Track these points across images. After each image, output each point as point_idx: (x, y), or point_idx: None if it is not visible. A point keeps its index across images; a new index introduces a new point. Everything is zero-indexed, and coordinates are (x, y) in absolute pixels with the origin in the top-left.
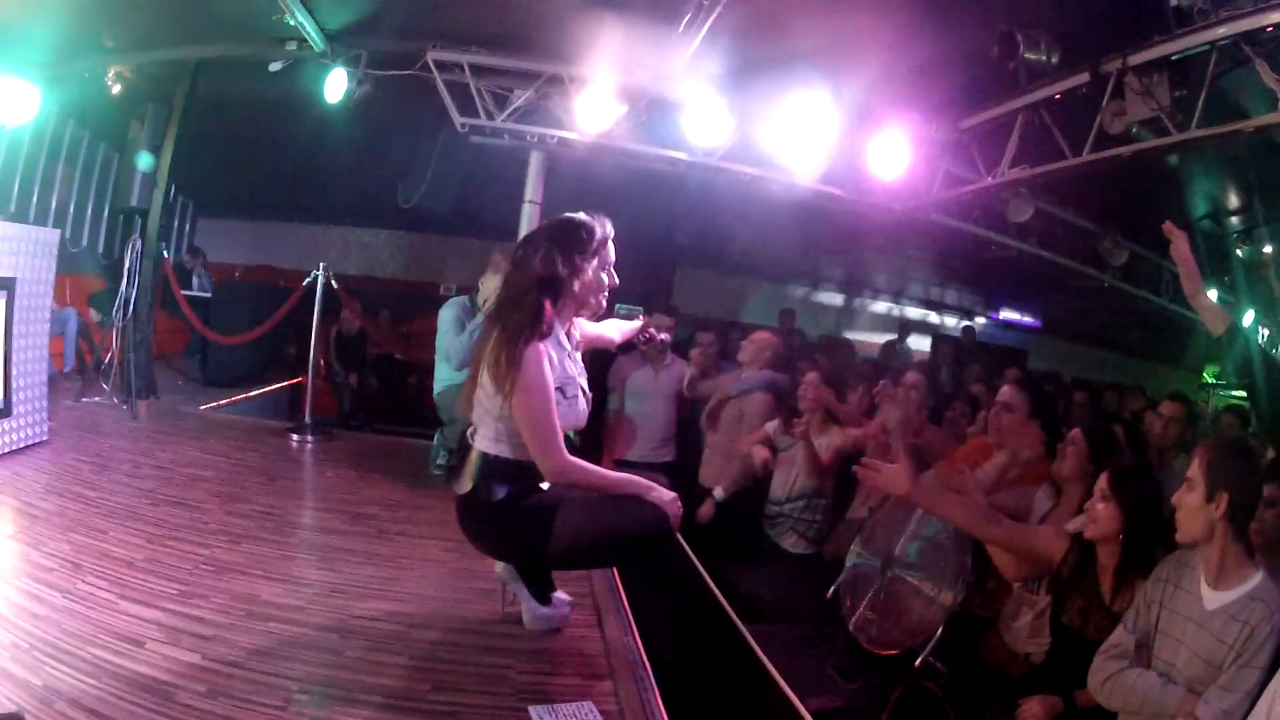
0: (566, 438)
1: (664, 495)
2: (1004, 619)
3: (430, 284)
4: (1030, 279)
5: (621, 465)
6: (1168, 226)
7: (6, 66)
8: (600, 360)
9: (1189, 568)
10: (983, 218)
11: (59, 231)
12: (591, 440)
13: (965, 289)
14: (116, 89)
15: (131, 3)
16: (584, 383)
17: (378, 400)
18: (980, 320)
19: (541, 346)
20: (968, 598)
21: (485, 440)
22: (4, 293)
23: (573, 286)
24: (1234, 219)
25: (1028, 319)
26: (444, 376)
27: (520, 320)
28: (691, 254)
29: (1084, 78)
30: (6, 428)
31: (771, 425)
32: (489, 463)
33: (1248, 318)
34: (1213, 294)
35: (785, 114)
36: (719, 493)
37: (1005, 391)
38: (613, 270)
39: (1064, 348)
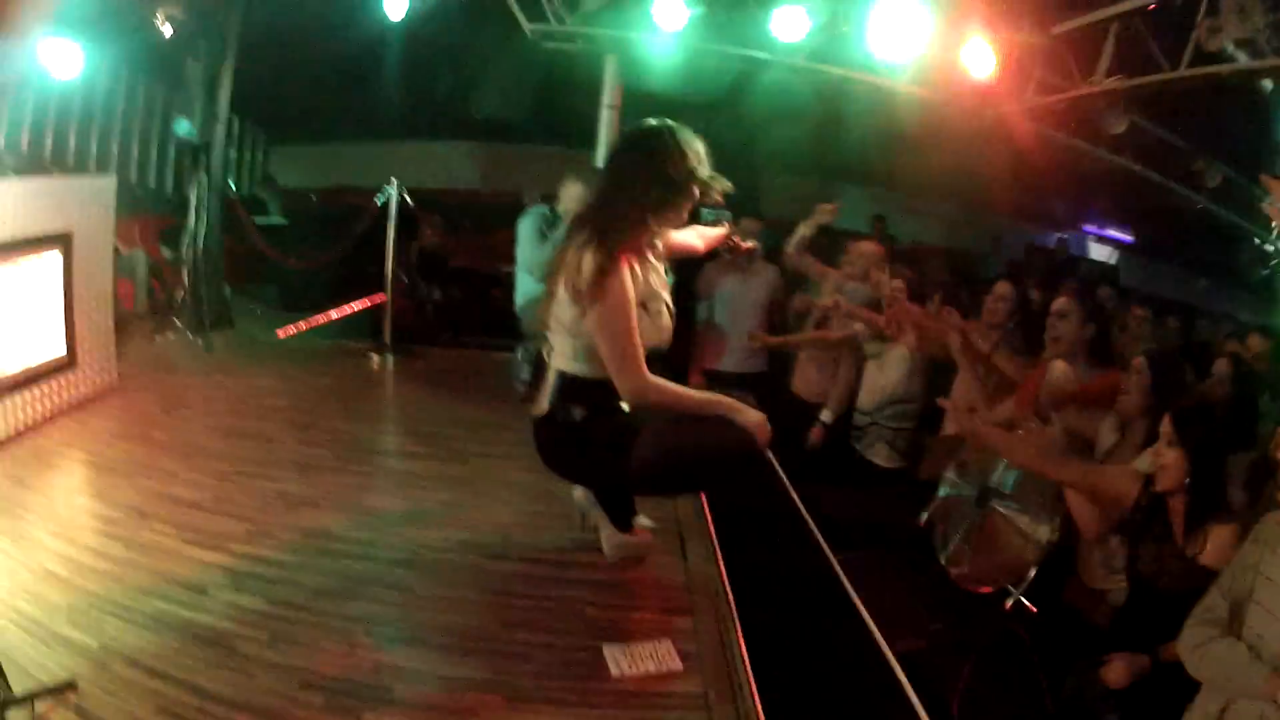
0: (650, 355)
1: (751, 417)
2: (1080, 556)
3: (511, 194)
4: (1124, 194)
5: (711, 375)
6: (1265, 179)
7: (52, 29)
8: (688, 268)
9: None
10: (1077, 127)
11: (114, 178)
12: (680, 350)
13: (1058, 200)
14: (168, 30)
15: None
16: (669, 297)
17: (462, 313)
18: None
19: (628, 261)
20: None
21: (563, 358)
22: (61, 247)
23: (663, 203)
24: None
25: (1120, 234)
26: (526, 289)
27: (603, 232)
28: (777, 157)
29: None
30: (73, 379)
31: (860, 328)
32: (567, 382)
33: None
34: None
35: (874, 11)
36: (827, 415)
37: (1059, 301)
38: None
39: (1157, 266)
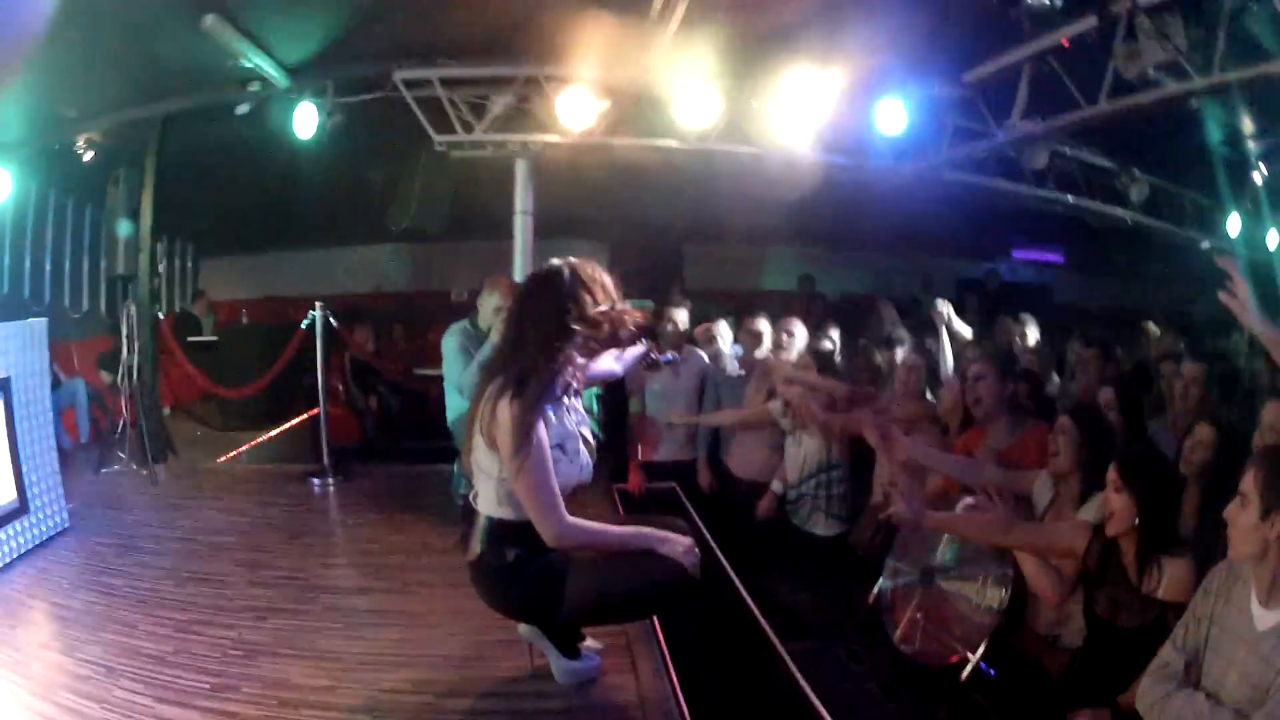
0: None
1: (677, 546)
2: (1029, 606)
3: (440, 292)
4: (1050, 219)
5: (648, 466)
6: (1221, 260)
7: None
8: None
9: (1239, 580)
10: (997, 166)
11: (44, 320)
12: (617, 445)
13: (984, 233)
14: (89, 155)
15: (88, 70)
16: (586, 431)
17: (399, 421)
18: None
19: (537, 413)
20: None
21: (488, 503)
22: (1, 394)
23: (574, 351)
24: (1253, 143)
25: (1050, 255)
26: (455, 404)
27: (517, 384)
28: (698, 230)
29: (1091, 21)
30: (27, 524)
31: (775, 405)
32: (494, 526)
33: (1271, 239)
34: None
35: (778, 89)
36: (777, 485)
37: (975, 366)
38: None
39: (1090, 282)
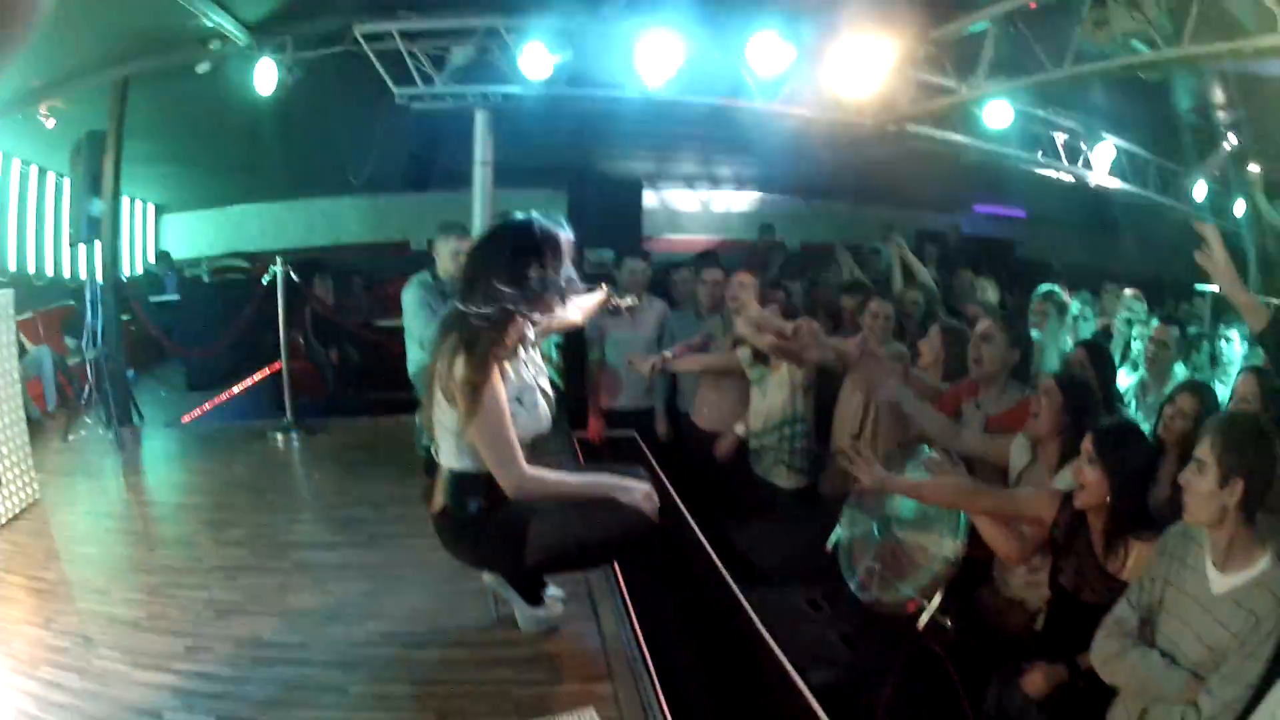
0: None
1: (636, 493)
2: (996, 568)
3: (400, 244)
4: (1013, 175)
5: (609, 414)
6: (1199, 224)
7: None
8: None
9: (1195, 543)
10: (960, 123)
11: (10, 291)
12: (577, 393)
13: (947, 186)
14: (51, 122)
15: (46, 37)
16: (544, 382)
17: (361, 373)
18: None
19: (498, 364)
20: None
21: (449, 455)
22: None
23: (526, 294)
24: (1222, 112)
25: (1013, 211)
26: (416, 356)
27: (472, 339)
28: (658, 180)
29: None
30: None
31: (741, 352)
32: (456, 478)
33: (1238, 207)
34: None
35: (740, 41)
36: (740, 428)
37: (983, 325)
38: (571, 268)
39: (1053, 235)
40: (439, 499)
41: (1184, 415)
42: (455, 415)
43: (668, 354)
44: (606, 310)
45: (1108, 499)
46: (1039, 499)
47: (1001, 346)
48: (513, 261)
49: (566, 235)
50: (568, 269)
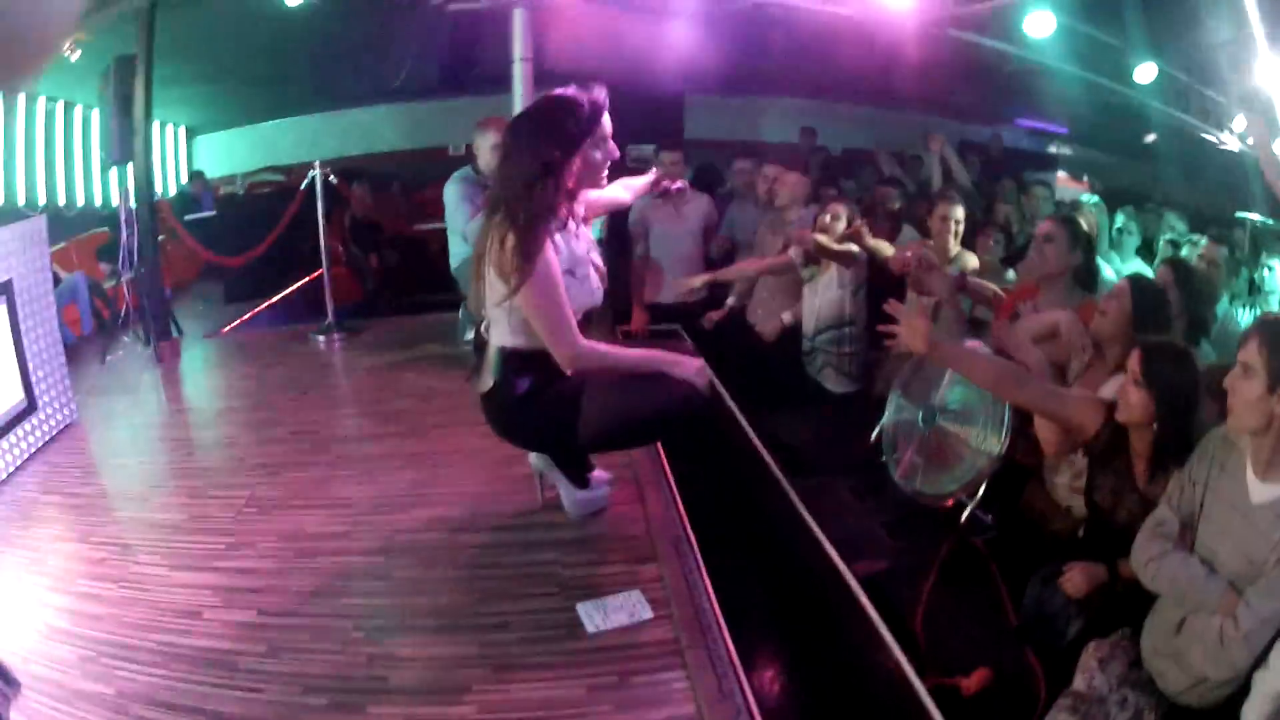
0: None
1: (689, 368)
2: (1046, 469)
3: (437, 149)
4: (1056, 89)
5: (653, 309)
6: (1240, 119)
7: None
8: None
9: (1235, 449)
10: (1002, 30)
11: (43, 218)
12: (621, 288)
13: (988, 96)
14: (76, 55)
15: None
16: (596, 257)
17: (401, 276)
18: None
19: (547, 235)
20: (1012, 445)
21: (500, 333)
22: (3, 296)
23: (571, 169)
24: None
25: (1055, 126)
26: (459, 250)
27: (518, 210)
28: (699, 81)
29: None
30: (35, 423)
31: (795, 252)
32: (507, 356)
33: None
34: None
35: None
36: (787, 316)
37: (1044, 225)
38: (612, 143)
39: (1094, 156)
40: (487, 378)
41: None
42: (506, 291)
43: (787, 319)
44: (658, 195)
45: (1153, 423)
46: (1084, 405)
47: (1064, 246)
48: (551, 130)
49: (600, 105)
50: (608, 144)
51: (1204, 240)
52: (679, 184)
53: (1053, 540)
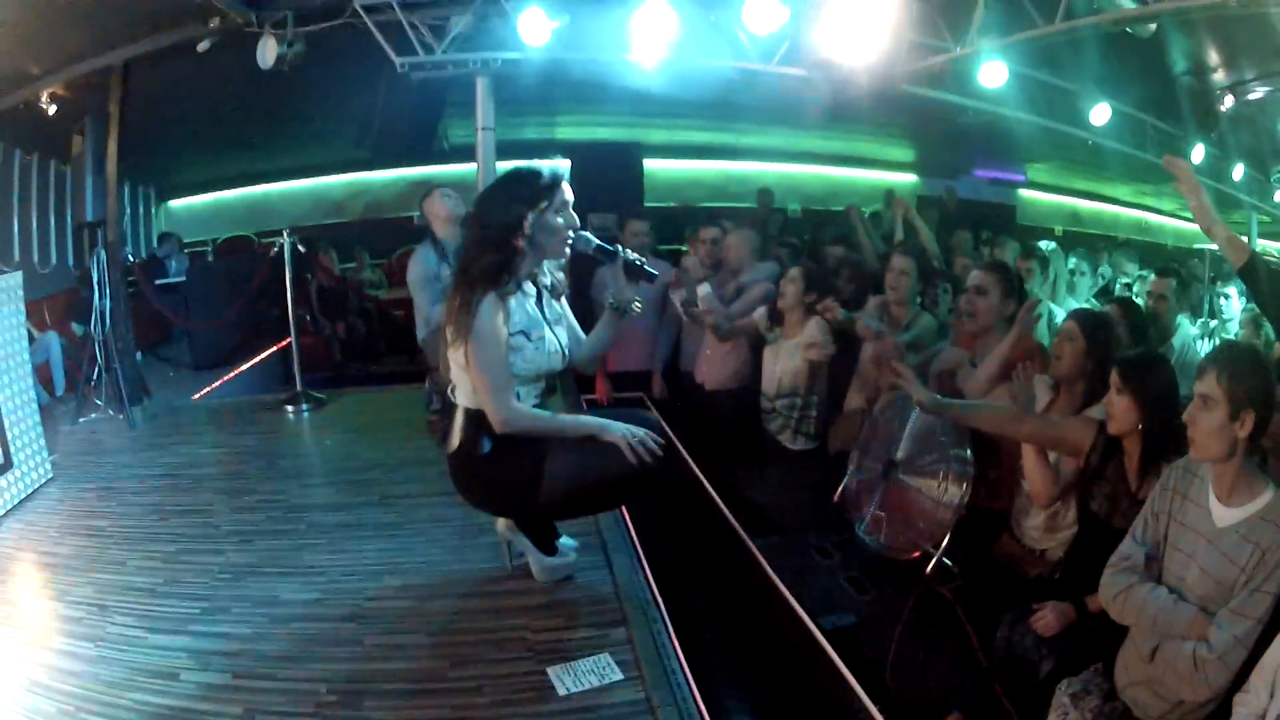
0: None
1: (616, 433)
2: (1015, 516)
3: (404, 218)
4: (1011, 136)
5: (614, 376)
6: (1167, 160)
7: None
8: (583, 277)
9: (1196, 477)
10: (955, 84)
11: (19, 274)
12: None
13: (943, 150)
14: (52, 109)
15: (47, 24)
16: (560, 331)
17: (369, 344)
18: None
19: (493, 296)
20: (974, 492)
21: (464, 395)
22: None
23: (525, 233)
24: (1217, 74)
25: (1013, 175)
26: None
27: (475, 275)
28: (659, 146)
29: None
30: (11, 479)
31: (759, 314)
32: (471, 417)
33: (1237, 172)
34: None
35: (737, 4)
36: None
37: (975, 275)
38: (571, 210)
39: (1052, 202)
40: (454, 439)
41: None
42: (458, 348)
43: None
44: (628, 271)
45: (1139, 426)
46: (1078, 426)
47: (996, 298)
48: (510, 197)
49: (560, 176)
50: (569, 211)
51: (1151, 275)
52: (654, 269)
53: (1025, 584)
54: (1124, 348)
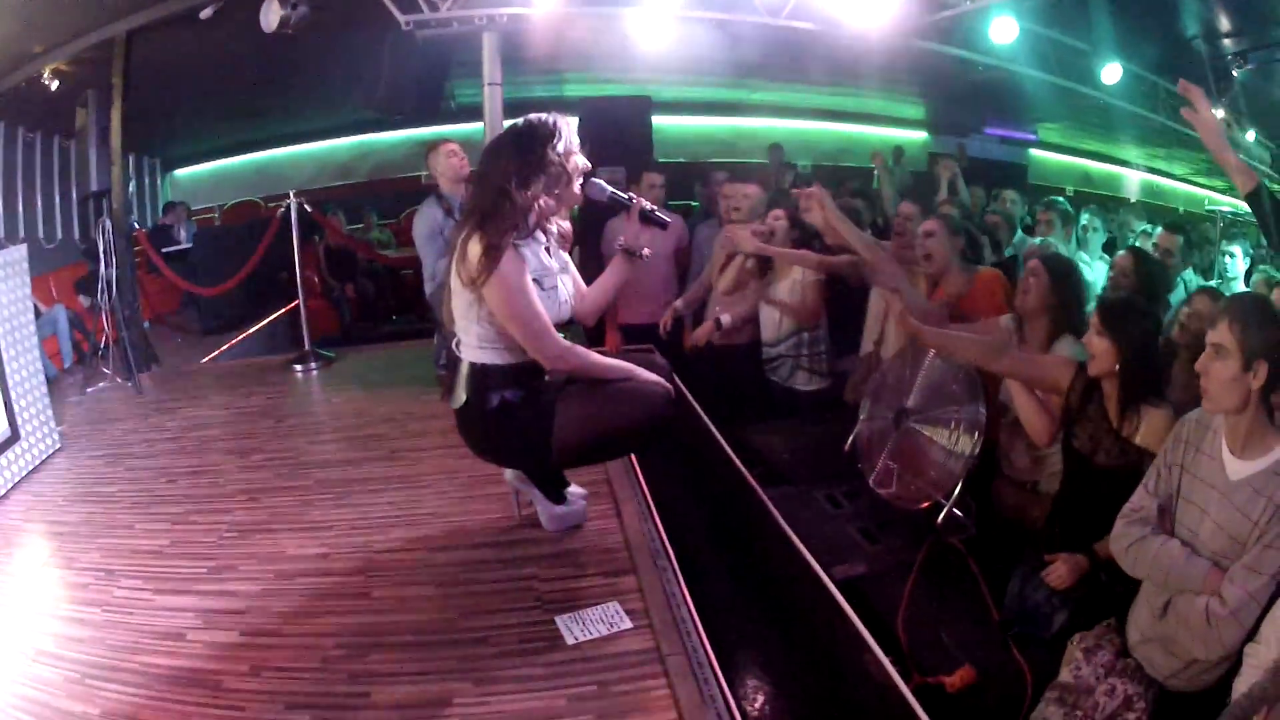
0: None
1: (653, 374)
2: (1002, 450)
3: (409, 178)
4: (1022, 94)
5: (626, 329)
6: (1182, 85)
7: None
8: (593, 229)
9: (1210, 430)
10: (966, 39)
11: (24, 247)
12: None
13: (956, 108)
14: (55, 85)
15: (51, 3)
16: (566, 280)
17: (377, 305)
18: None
19: (508, 242)
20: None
21: (471, 349)
22: None
23: (539, 180)
24: (1228, 40)
25: (1024, 134)
26: (432, 276)
27: (485, 219)
28: (669, 101)
29: None
30: (19, 452)
31: (751, 263)
32: (478, 371)
33: (1249, 136)
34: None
35: None
36: (725, 319)
37: (927, 224)
38: (581, 155)
39: (1063, 162)
40: (460, 394)
41: (1199, 317)
42: (474, 302)
43: (724, 320)
44: (641, 217)
45: (1117, 367)
46: (1057, 364)
47: (944, 237)
48: (521, 145)
49: (567, 121)
50: (576, 154)
51: (1159, 229)
52: (667, 218)
53: (1028, 526)
54: (1084, 279)
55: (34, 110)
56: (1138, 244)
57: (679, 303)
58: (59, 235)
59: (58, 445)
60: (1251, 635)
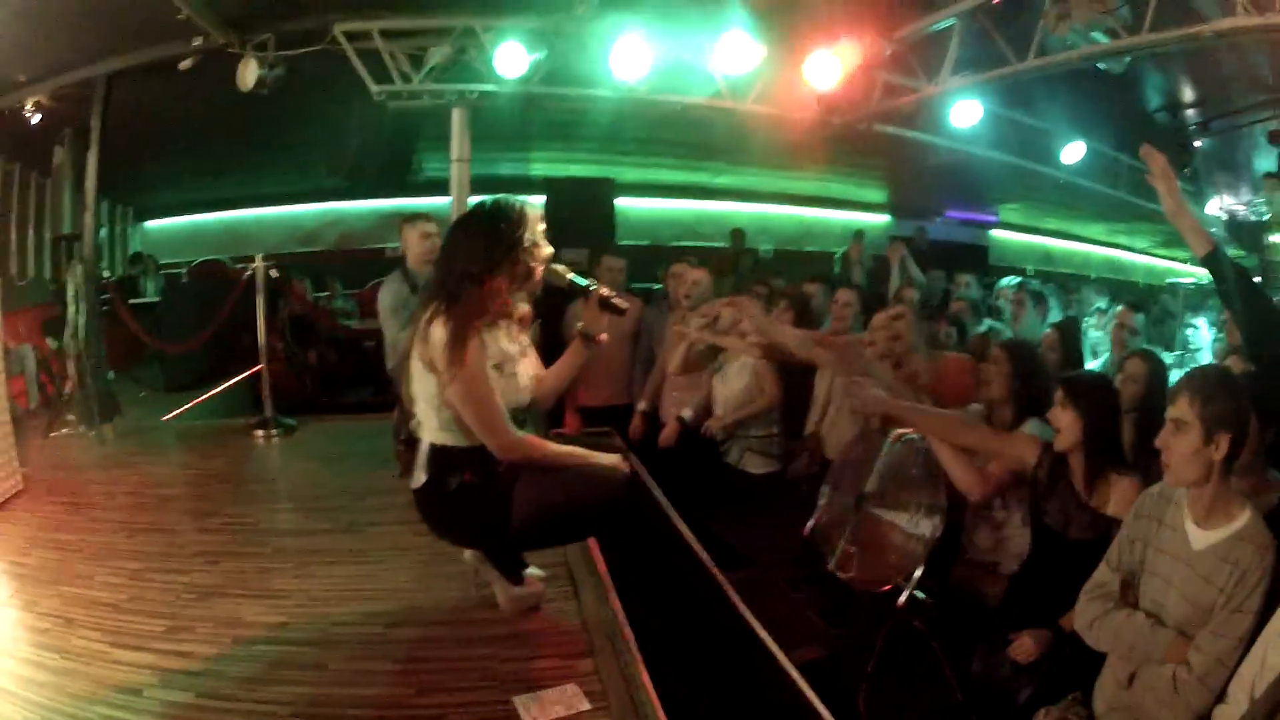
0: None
1: (605, 460)
2: (965, 534)
3: (375, 249)
4: (984, 177)
5: (584, 411)
6: (1145, 149)
7: None
8: (554, 314)
9: (1171, 503)
10: (927, 123)
11: None
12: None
13: (917, 191)
14: (36, 118)
15: (36, 32)
16: (525, 364)
17: (340, 373)
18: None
19: (472, 328)
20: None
21: (430, 430)
22: None
23: (504, 271)
24: (1190, 110)
25: (984, 215)
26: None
27: (449, 303)
28: (632, 183)
29: None
30: None
31: (701, 345)
32: (438, 453)
33: (1210, 206)
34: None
35: (711, 39)
36: (686, 413)
37: (894, 309)
38: (545, 244)
39: (1024, 242)
40: (419, 475)
41: (1134, 380)
42: (434, 385)
43: (686, 415)
44: (601, 305)
45: (1082, 439)
46: (1023, 441)
47: (912, 321)
48: (488, 233)
49: (533, 208)
50: (540, 241)
51: (1118, 308)
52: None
53: (990, 605)
54: (1062, 368)
55: (12, 141)
56: (1093, 320)
57: (642, 404)
58: (30, 273)
59: (19, 487)
60: (1220, 697)
